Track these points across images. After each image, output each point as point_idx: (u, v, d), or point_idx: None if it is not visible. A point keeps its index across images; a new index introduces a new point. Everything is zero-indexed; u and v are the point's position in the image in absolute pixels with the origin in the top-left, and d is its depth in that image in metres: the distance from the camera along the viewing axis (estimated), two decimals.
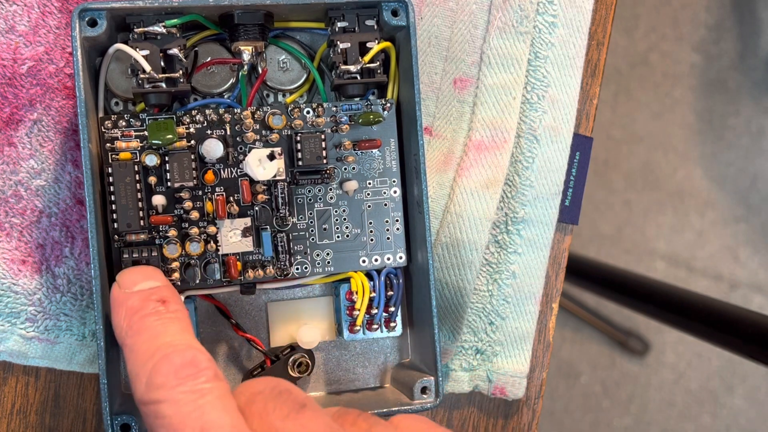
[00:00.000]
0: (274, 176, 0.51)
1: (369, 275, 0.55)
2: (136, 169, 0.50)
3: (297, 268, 0.54)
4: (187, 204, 0.51)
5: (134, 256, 0.50)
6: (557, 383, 1.67)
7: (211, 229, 0.51)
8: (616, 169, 1.71)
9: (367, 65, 0.53)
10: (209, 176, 0.51)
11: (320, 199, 0.54)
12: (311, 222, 0.54)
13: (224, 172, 0.52)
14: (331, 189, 0.54)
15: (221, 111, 0.51)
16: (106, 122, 0.50)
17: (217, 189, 0.52)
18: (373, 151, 0.54)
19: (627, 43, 1.71)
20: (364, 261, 0.55)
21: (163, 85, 0.50)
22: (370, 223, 0.54)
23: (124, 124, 0.50)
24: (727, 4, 1.73)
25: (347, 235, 0.54)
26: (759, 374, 1.74)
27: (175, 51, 0.50)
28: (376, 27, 0.53)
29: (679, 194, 1.74)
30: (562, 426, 1.67)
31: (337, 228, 0.54)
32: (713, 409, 1.72)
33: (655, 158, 1.73)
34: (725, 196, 1.75)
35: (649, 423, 1.70)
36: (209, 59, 0.54)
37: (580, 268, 1.22)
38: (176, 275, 0.51)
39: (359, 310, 0.54)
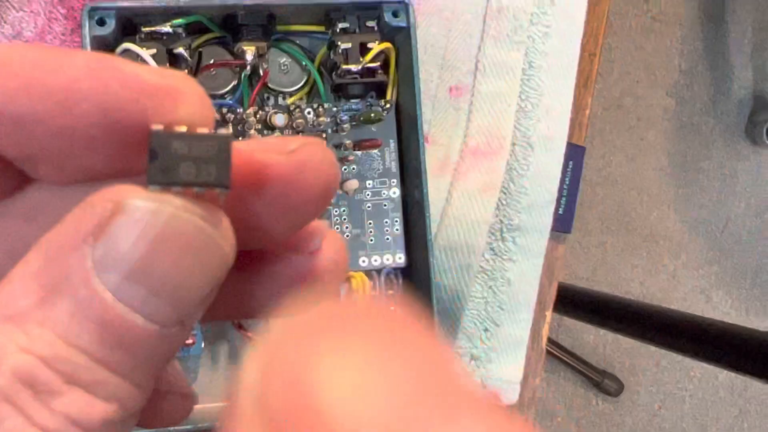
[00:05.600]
0: None
1: (369, 275, 0.55)
2: None
3: None
4: None
5: None
6: (533, 423, 1.67)
7: None
8: (591, 211, 1.73)
9: (368, 65, 0.53)
10: None
11: None
12: None
13: None
14: None
15: (224, 110, 0.52)
16: None
17: None
18: (373, 151, 0.55)
19: (601, 86, 1.74)
20: (364, 261, 0.55)
21: None
22: (370, 223, 0.55)
23: None
24: (699, 49, 1.77)
25: (347, 235, 0.55)
26: (730, 415, 1.75)
27: (181, 50, 0.51)
28: (376, 28, 0.54)
29: (653, 236, 1.76)
30: None
31: (337, 228, 0.54)
32: None
33: (629, 200, 1.75)
34: (698, 238, 1.77)
35: None
36: (213, 61, 0.54)
37: (560, 294, 1.22)
38: None
39: None
